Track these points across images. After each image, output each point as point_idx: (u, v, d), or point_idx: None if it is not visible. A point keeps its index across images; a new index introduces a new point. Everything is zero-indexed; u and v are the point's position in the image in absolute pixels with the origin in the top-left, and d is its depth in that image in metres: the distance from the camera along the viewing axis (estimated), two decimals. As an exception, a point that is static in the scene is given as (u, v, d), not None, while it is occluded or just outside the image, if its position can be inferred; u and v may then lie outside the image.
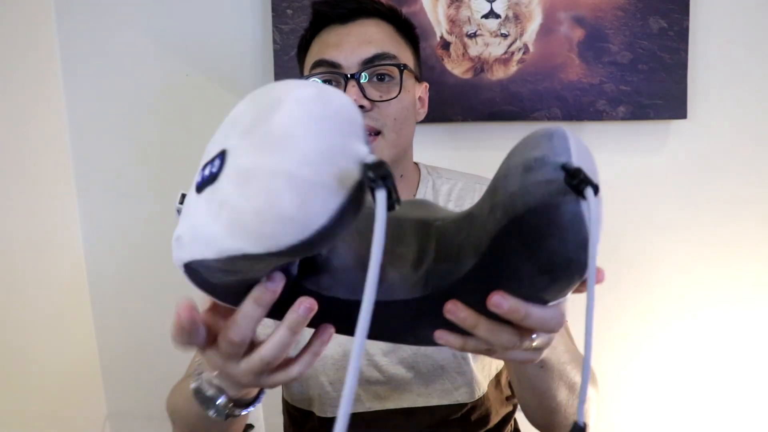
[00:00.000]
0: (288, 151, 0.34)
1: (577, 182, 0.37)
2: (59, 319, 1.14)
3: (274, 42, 1.13)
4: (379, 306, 0.44)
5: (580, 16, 1.10)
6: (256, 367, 0.47)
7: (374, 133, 0.83)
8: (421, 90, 0.91)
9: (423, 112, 0.92)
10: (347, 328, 0.49)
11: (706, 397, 1.19)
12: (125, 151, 1.20)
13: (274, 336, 0.46)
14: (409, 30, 0.89)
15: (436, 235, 0.47)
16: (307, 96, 0.36)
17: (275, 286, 0.43)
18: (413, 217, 0.49)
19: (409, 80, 0.85)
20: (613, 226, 1.15)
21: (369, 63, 0.82)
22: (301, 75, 0.89)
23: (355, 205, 0.35)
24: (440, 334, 0.46)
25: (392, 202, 0.33)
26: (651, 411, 1.20)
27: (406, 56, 0.87)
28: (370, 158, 0.35)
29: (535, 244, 0.39)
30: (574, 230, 0.38)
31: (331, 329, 0.49)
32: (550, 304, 0.44)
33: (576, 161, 0.39)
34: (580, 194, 0.37)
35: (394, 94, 0.83)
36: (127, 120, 1.20)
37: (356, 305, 0.44)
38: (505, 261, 0.41)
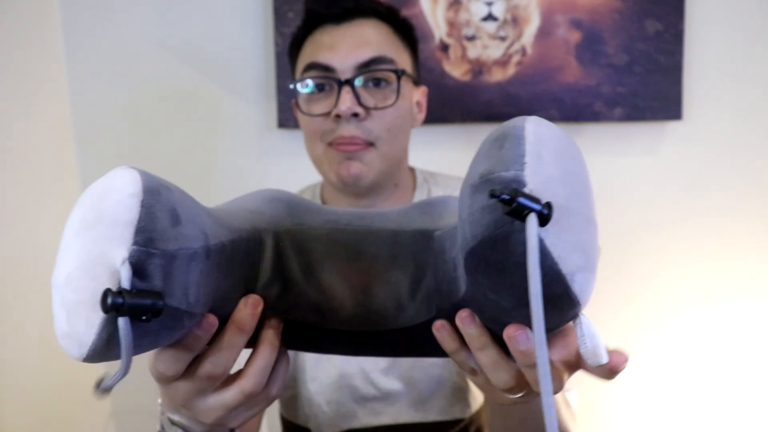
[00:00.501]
0: (60, 265, 0.34)
1: (517, 207, 0.31)
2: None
3: (276, 44, 1.14)
4: (380, 334, 0.44)
5: (578, 19, 1.12)
6: (236, 399, 0.44)
7: (366, 144, 0.79)
8: (419, 94, 0.87)
9: (421, 117, 0.88)
10: (299, 345, 0.47)
11: (703, 393, 1.20)
12: (128, 152, 1.22)
13: (255, 360, 0.44)
14: (407, 31, 0.84)
15: (436, 248, 0.43)
16: (85, 200, 0.35)
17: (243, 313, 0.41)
18: (413, 228, 0.45)
19: (406, 86, 0.81)
20: (610, 226, 1.17)
21: (365, 67, 0.78)
22: (292, 75, 0.86)
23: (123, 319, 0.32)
24: (442, 324, 0.42)
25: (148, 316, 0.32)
26: (647, 408, 1.22)
27: (404, 59, 0.82)
28: (123, 271, 0.32)
29: (498, 278, 0.34)
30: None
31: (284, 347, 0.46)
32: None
33: (531, 171, 0.33)
34: (523, 220, 0.31)
35: (391, 101, 0.79)
36: (130, 121, 1.21)
37: (309, 328, 0.44)
38: (485, 292, 0.36)
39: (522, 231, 0.32)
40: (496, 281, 0.34)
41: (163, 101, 1.20)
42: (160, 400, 0.50)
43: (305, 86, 0.80)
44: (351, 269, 0.44)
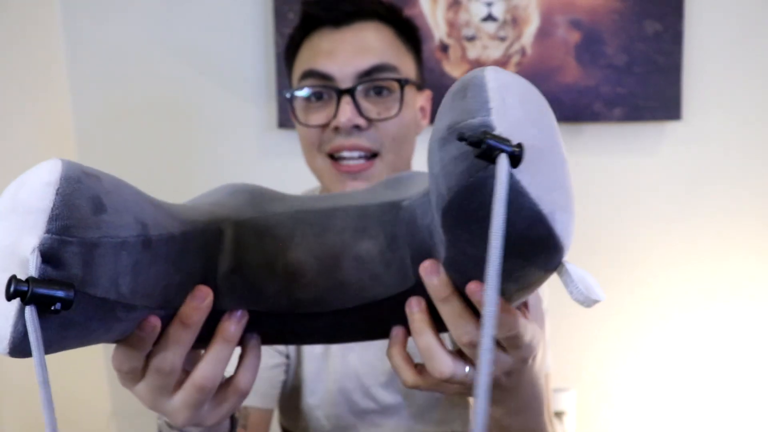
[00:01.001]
0: None
1: (487, 149, 0.30)
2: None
3: (276, 45, 1.14)
4: (357, 310, 0.42)
5: (577, 19, 1.12)
6: (192, 397, 0.42)
7: (371, 155, 0.75)
8: (424, 99, 0.83)
9: (425, 123, 0.83)
10: (276, 337, 0.45)
11: (703, 393, 1.20)
12: (128, 152, 1.22)
13: (207, 355, 0.42)
14: (410, 32, 0.80)
15: (406, 218, 0.41)
16: (4, 193, 0.34)
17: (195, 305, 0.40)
18: (379, 201, 0.43)
19: (410, 93, 0.77)
20: (609, 225, 1.17)
21: (366, 75, 0.74)
22: (289, 80, 0.82)
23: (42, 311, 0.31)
24: (430, 263, 0.39)
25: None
26: (646, 408, 1.22)
27: (407, 64, 0.78)
28: (32, 259, 0.31)
29: (478, 229, 0.33)
30: (513, 207, 0.32)
31: (257, 339, 0.45)
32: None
33: (497, 115, 0.32)
34: (494, 162, 0.30)
35: (394, 111, 0.75)
36: (131, 121, 1.21)
37: (278, 316, 0.42)
38: (465, 248, 0.36)
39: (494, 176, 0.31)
40: (476, 233, 0.33)
41: (163, 101, 1.20)
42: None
43: (302, 94, 0.77)
44: (318, 244, 0.42)
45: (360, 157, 0.75)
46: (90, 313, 0.33)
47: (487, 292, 0.29)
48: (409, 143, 0.79)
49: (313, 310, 0.42)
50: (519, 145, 0.30)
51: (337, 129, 0.74)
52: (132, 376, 0.42)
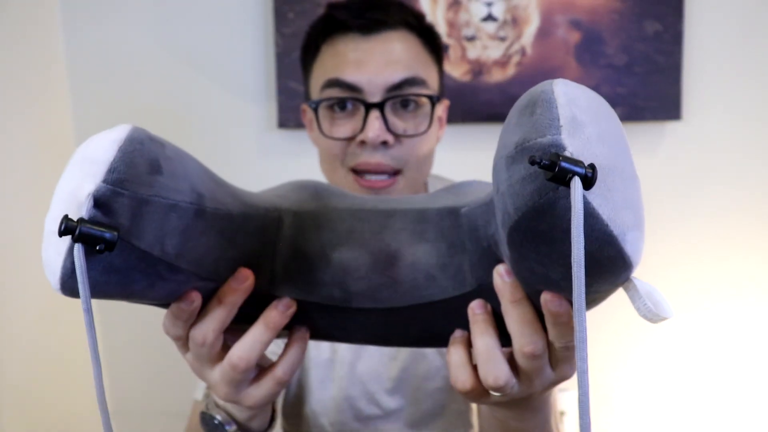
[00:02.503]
0: (51, 203, 0.37)
1: (560, 172, 0.29)
2: (63, 316, 1.16)
3: (276, 45, 1.14)
4: (410, 310, 0.42)
5: (577, 19, 1.12)
6: (227, 373, 0.44)
7: (393, 173, 0.73)
8: (442, 108, 0.80)
9: (441, 134, 0.80)
10: (326, 332, 0.46)
11: (703, 393, 1.20)
12: (129, 152, 1.22)
13: (246, 336, 0.43)
14: (434, 40, 0.77)
15: (465, 225, 0.42)
16: (83, 144, 0.37)
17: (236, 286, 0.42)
18: (438, 206, 0.44)
19: (437, 109, 0.74)
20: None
21: (396, 89, 0.71)
22: (305, 81, 0.80)
23: (91, 246, 0.33)
24: (504, 266, 0.39)
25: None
26: (647, 408, 1.22)
27: (432, 75, 0.76)
28: (85, 203, 0.34)
29: (546, 249, 0.33)
30: (585, 229, 0.31)
31: (306, 331, 0.46)
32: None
33: (568, 133, 0.31)
34: (567, 185, 0.30)
35: (422, 127, 0.72)
36: (131, 121, 1.21)
37: (330, 309, 0.43)
38: (532, 266, 0.35)
39: (567, 197, 0.30)
40: (544, 253, 0.33)
41: (163, 101, 1.20)
42: (200, 398, 0.53)
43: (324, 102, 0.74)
44: (374, 242, 0.43)
45: (383, 173, 0.74)
46: (132, 263, 0.36)
47: (576, 319, 0.30)
48: (431, 159, 0.77)
49: (365, 305, 0.42)
50: (591, 166, 0.30)
51: (362, 143, 0.72)
52: (180, 343, 0.44)
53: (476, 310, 0.41)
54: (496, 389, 0.42)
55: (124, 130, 0.36)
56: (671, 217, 1.18)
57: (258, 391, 0.46)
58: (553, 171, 0.29)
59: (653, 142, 1.17)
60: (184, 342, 0.44)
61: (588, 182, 0.30)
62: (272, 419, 0.55)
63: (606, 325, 1.20)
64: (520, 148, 0.32)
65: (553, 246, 0.32)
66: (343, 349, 0.80)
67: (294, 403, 0.84)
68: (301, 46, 0.79)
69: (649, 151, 1.17)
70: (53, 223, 0.35)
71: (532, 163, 0.30)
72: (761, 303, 1.18)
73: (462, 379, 0.43)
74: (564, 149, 0.31)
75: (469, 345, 0.43)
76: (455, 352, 0.43)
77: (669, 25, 1.11)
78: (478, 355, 0.42)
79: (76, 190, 0.34)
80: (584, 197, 0.30)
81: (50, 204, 0.37)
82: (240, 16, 1.17)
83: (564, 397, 1.14)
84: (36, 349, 1.10)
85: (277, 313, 0.43)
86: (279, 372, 0.46)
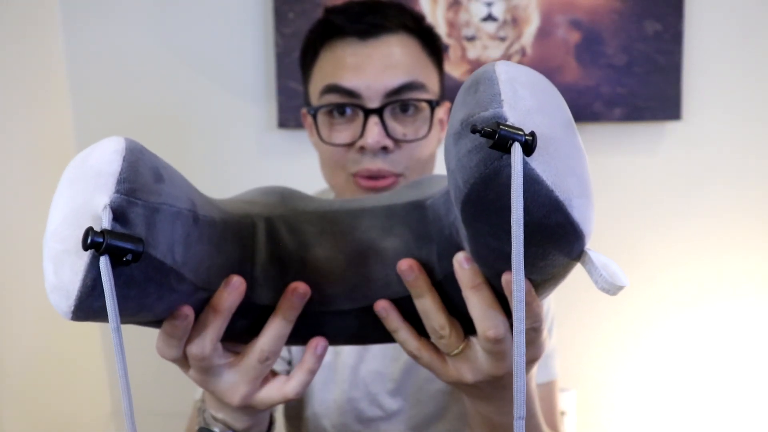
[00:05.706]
0: (49, 222, 0.35)
1: (500, 139, 0.30)
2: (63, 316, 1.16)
3: (276, 45, 1.14)
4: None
5: (577, 19, 1.12)
6: (253, 369, 0.44)
7: (393, 176, 0.72)
8: (443, 111, 0.78)
9: (442, 137, 0.79)
10: (305, 335, 0.46)
11: (703, 392, 1.20)
12: (129, 152, 1.22)
13: (268, 328, 0.44)
14: (434, 43, 0.76)
15: (431, 216, 0.43)
16: (71, 163, 0.36)
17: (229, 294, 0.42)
18: (404, 201, 0.45)
19: (437, 112, 0.74)
20: (609, 225, 1.17)
21: (395, 94, 0.70)
22: (304, 84, 0.79)
23: (112, 261, 0.33)
24: (462, 254, 0.40)
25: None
26: (647, 408, 1.22)
27: (433, 79, 0.75)
28: (105, 214, 0.33)
29: (498, 220, 0.34)
30: (530, 195, 0.32)
31: (324, 342, 0.46)
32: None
33: (509, 106, 0.32)
34: (508, 152, 0.31)
35: (422, 132, 0.71)
36: (131, 121, 1.21)
37: (308, 311, 0.43)
38: (488, 241, 0.36)
39: (509, 166, 0.31)
40: (496, 224, 0.34)
41: (163, 101, 1.20)
42: (200, 397, 0.52)
43: (323, 108, 0.73)
44: (346, 242, 0.44)
45: (385, 178, 0.74)
46: (149, 274, 0.35)
47: (514, 278, 0.30)
48: (432, 162, 0.77)
49: (342, 307, 0.43)
50: (532, 134, 0.31)
51: (362, 149, 0.71)
52: (180, 363, 0.44)
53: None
54: (490, 340, 0.42)
55: (120, 141, 0.36)
56: (671, 217, 1.18)
57: (273, 393, 0.47)
58: (493, 138, 0.30)
59: (653, 142, 1.17)
60: (183, 361, 0.44)
61: (529, 149, 0.31)
62: (270, 427, 0.54)
63: (606, 325, 1.20)
64: (465, 124, 0.33)
65: (504, 215, 0.33)
66: (346, 352, 0.80)
67: (296, 406, 0.84)
68: (300, 50, 0.79)
69: (649, 151, 1.17)
70: (61, 243, 0.34)
71: (474, 131, 0.31)
72: (761, 302, 1.18)
73: (441, 323, 0.43)
74: (506, 120, 0.32)
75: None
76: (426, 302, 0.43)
77: (669, 25, 1.11)
78: (474, 310, 0.41)
79: (86, 204, 0.33)
80: (526, 163, 0.31)
81: (49, 222, 0.35)
82: (240, 16, 1.17)
83: (565, 397, 1.14)
84: (36, 349, 1.10)
85: (296, 298, 0.43)
86: (308, 363, 0.46)
